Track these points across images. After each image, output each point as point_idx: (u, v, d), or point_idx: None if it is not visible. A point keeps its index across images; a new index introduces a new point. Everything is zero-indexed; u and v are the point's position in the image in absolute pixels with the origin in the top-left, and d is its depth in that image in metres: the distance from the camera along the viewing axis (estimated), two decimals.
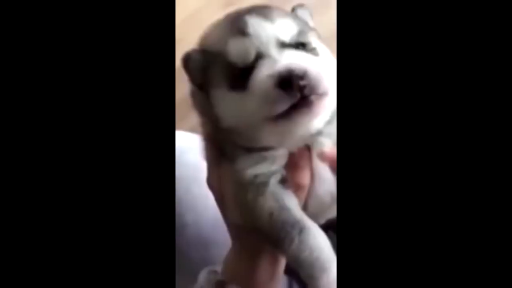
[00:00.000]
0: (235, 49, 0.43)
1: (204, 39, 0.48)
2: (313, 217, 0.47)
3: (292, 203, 0.45)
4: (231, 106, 0.44)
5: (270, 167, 0.45)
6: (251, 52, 0.42)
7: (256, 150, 0.45)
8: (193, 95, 0.49)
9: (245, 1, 1.57)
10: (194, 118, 0.51)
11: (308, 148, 0.46)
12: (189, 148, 0.69)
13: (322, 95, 0.41)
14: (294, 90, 0.39)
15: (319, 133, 0.46)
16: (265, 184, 0.45)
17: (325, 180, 0.47)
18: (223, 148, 0.48)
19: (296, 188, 0.46)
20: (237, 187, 0.46)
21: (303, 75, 0.39)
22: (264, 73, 0.41)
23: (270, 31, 0.43)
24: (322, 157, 0.46)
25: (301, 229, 0.44)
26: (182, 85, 0.48)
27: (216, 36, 0.46)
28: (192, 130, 0.65)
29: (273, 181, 0.45)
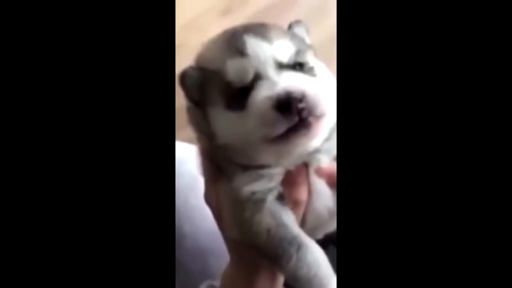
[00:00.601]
0: (233, 69, 0.43)
1: (201, 56, 0.48)
2: (311, 232, 0.47)
3: (289, 220, 0.45)
4: (228, 124, 0.44)
5: (267, 184, 0.45)
6: (249, 73, 0.42)
7: (253, 167, 0.45)
8: (189, 111, 0.49)
9: (243, 9, 1.58)
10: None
11: (305, 165, 0.46)
12: (187, 158, 0.69)
13: (320, 116, 0.41)
14: (293, 113, 0.39)
15: (316, 150, 0.45)
16: (262, 201, 0.45)
17: (322, 195, 0.47)
18: (219, 164, 0.48)
19: (294, 204, 0.46)
20: (234, 204, 0.46)
21: (301, 98, 0.39)
22: (262, 94, 0.41)
23: (268, 52, 0.43)
24: (320, 173, 0.46)
25: (299, 246, 0.44)
26: (181, 93, 0.48)
27: (213, 55, 0.46)
28: (190, 140, 0.65)
29: (270, 198, 0.45)
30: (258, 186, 0.45)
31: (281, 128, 0.40)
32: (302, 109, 0.39)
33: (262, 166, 0.45)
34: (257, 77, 0.42)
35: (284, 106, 0.39)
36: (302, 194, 0.46)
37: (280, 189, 0.46)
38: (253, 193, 0.45)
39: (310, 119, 0.40)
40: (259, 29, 0.45)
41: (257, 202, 0.45)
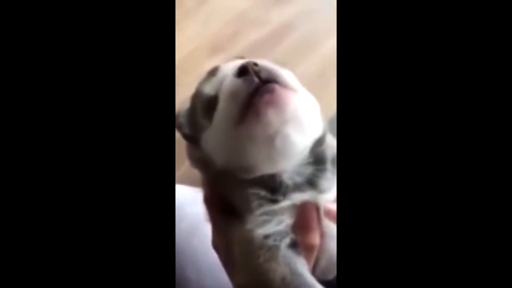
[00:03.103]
0: (207, 84, 0.46)
1: (192, 95, 0.49)
2: (323, 273, 0.46)
3: (304, 268, 0.44)
4: (216, 136, 0.45)
5: (279, 225, 0.44)
6: (220, 78, 0.45)
7: (261, 188, 0.44)
8: (189, 152, 0.49)
9: (232, 45, 1.60)
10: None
11: (316, 207, 0.45)
12: (187, 201, 0.68)
13: (286, 86, 0.42)
14: (250, 74, 0.41)
15: (324, 190, 0.45)
16: (277, 247, 0.43)
17: (333, 237, 0.46)
18: (226, 199, 0.47)
19: (308, 250, 0.45)
20: (247, 249, 0.44)
21: (255, 63, 0.42)
22: (226, 79, 0.44)
23: (240, 61, 0.45)
24: (330, 215, 0.45)
25: None
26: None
27: (195, 90, 0.49)
28: (185, 174, 0.65)
29: (284, 245, 0.44)
30: (270, 229, 0.44)
31: (244, 90, 0.41)
32: (259, 71, 0.41)
33: (271, 189, 0.44)
34: (225, 78, 0.44)
35: (241, 70, 0.42)
36: (315, 239, 0.45)
37: (292, 235, 0.45)
38: (266, 237, 0.44)
39: (273, 85, 0.41)
40: (233, 58, 0.49)
41: (272, 249, 0.43)
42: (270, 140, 0.42)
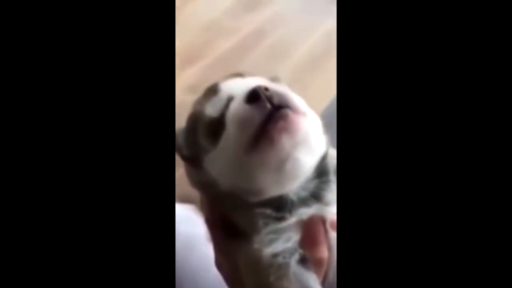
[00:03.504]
0: (209, 105, 0.45)
1: (189, 116, 0.48)
2: (332, 285, 0.45)
3: (315, 283, 0.43)
4: (223, 160, 0.43)
5: (287, 242, 0.43)
6: (222, 99, 0.44)
7: (266, 207, 0.44)
8: (189, 174, 0.48)
9: (204, 56, 1.58)
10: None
11: (322, 221, 0.45)
12: (181, 219, 0.66)
13: (297, 111, 0.41)
14: (262, 100, 0.40)
15: (329, 202, 0.44)
16: (287, 264, 0.43)
17: None
18: (229, 222, 0.46)
19: (317, 264, 0.44)
20: (256, 269, 0.44)
21: (266, 87, 0.41)
22: (234, 103, 0.42)
23: (240, 81, 0.45)
24: (335, 227, 0.44)
25: None
26: None
27: (195, 109, 0.47)
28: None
29: (293, 262, 0.43)
30: (278, 247, 0.43)
31: (257, 117, 0.40)
32: (271, 96, 0.40)
33: (275, 206, 0.44)
34: (230, 100, 0.43)
35: (252, 95, 0.40)
36: (323, 252, 0.45)
37: (301, 251, 0.44)
38: (275, 255, 0.43)
39: (286, 110, 0.40)
40: (231, 76, 0.47)
41: (282, 266, 0.43)
42: (281, 164, 0.41)
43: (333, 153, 0.47)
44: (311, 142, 0.43)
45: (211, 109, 0.44)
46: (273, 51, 1.49)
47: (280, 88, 0.42)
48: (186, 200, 0.67)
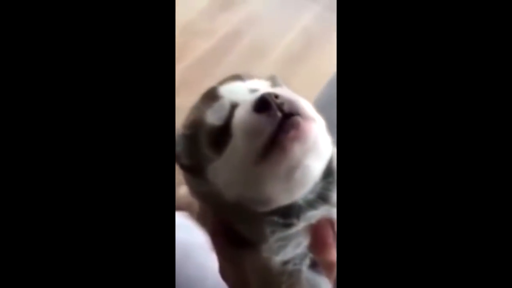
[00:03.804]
0: (211, 111, 0.42)
1: (186, 123, 0.46)
2: None
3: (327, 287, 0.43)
4: (229, 170, 0.41)
5: (297, 248, 0.42)
6: (225, 105, 0.42)
7: (273, 215, 0.42)
8: (190, 184, 0.46)
9: (183, 57, 1.56)
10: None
11: (330, 223, 0.44)
12: (176, 226, 0.65)
13: (307, 118, 0.39)
14: (273, 108, 0.38)
15: (334, 203, 0.43)
16: (299, 271, 0.42)
17: None
18: (233, 231, 0.44)
19: (328, 267, 0.43)
20: (266, 278, 0.43)
21: (276, 95, 0.39)
22: (240, 110, 0.40)
23: (241, 85, 0.43)
24: None
25: None
26: None
27: (194, 116, 0.45)
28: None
29: (305, 267, 0.43)
30: (287, 254, 0.42)
31: (267, 128, 0.38)
32: (282, 104, 0.38)
33: (283, 214, 0.42)
34: (234, 106, 0.41)
35: (263, 104, 0.38)
36: (334, 255, 0.43)
37: (311, 256, 0.43)
38: (285, 262, 0.42)
39: (297, 118, 0.39)
40: (230, 78, 0.45)
41: (293, 273, 0.42)
42: (291, 173, 0.40)
43: (335, 152, 0.46)
44: (320, 147, 0.41)
45: (213, 117, 0.42)
46: (251, 51, 1.48)
47: (289, 93, 0.41)
48: (178, 208, 0.66)
